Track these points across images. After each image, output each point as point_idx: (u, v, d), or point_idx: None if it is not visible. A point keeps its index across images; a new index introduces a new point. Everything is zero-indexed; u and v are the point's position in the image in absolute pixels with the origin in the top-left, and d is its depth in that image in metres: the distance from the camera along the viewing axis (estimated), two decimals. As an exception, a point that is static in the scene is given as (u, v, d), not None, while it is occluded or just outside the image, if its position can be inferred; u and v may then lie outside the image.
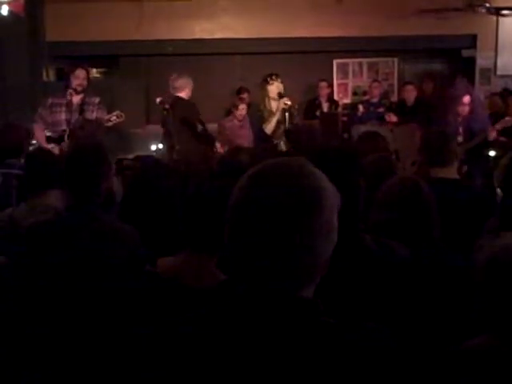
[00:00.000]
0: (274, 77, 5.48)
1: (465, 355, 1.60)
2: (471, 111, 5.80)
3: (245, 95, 7.96)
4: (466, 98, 5.74)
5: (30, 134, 4.38)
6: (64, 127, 5.31)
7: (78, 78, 5.44)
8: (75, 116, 5.34)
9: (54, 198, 2.92)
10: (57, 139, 5.25)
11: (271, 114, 5.41)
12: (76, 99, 5.43)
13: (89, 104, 5.40)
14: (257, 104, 7.80)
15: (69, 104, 5.40)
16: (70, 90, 5.32)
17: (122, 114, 5.41)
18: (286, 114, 5.36)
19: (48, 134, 5.28)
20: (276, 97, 5.38)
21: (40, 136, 5.24)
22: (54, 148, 5.05)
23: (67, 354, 2.06)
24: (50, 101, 5.42)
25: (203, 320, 1.14)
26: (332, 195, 1.15)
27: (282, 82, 5.51)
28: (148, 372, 1.13)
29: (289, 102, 5.34)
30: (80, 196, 2.44)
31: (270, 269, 1.09)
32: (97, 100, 5.48)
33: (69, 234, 2.33)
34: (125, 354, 1.24)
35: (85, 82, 5.47)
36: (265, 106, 5.48)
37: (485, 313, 1.66)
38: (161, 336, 1.16)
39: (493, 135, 5.91)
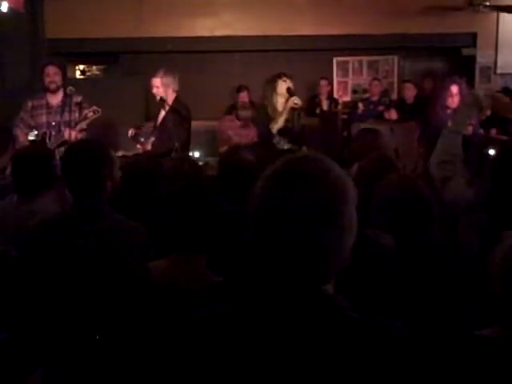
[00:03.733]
0: (285, 75, 5.26)
1: (476, 343, 1.61)
2: (460, 104, 5.64)
3: (244, 93, 7.95)
4: (454, 88, 5.56)
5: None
6: (45, 130, 5.15)
7: (48, 75, 5.22)
8: (57, 118, 5.16)
9: (50, 201, 2.89)
10: (39, 142, 5.05)
11: (276, 111, 5.20)
12: (55, 100, 5.26)
13: (69, 104, 5.15)
14: (259, 102, 7.81)
15: (49, 105, 5.23)
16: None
17: (99, 110, 5.13)
18: (295, 113, 5.14)
19: (31, 137, 5.08)
20: (284, 93, 5.14)
21: (24, 140, 5.08)
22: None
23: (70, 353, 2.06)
24: (29, 104, 5.23)
25: (226, 316, 1.15)
26: (353, 190, 1.16)
27: (292, 83, 5.28)
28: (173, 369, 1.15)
29: (299, 102, 5.12)
30: (83, 194, 2.41)
31: (298, 266, 1.11)
32: (78, 99, 5.21)
33: (74, 232, 2.31)
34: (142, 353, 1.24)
35: (57, 78, 5.23)
36: (270, 102, 5.19)
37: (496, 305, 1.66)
38: (183, 333, 1.16)
39: (469, 129, 5.64)
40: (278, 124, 5.08)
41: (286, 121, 5.10)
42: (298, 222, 1.09)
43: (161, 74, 5.45)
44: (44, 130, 5.15)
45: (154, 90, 5.49)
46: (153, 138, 5.38)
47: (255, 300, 1.14)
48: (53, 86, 5.22)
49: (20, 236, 2.50)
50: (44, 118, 5.21)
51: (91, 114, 5.10)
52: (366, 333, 1.12)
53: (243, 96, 7.91)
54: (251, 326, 1.12)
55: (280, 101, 5.15)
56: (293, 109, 5.09)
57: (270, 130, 5.07)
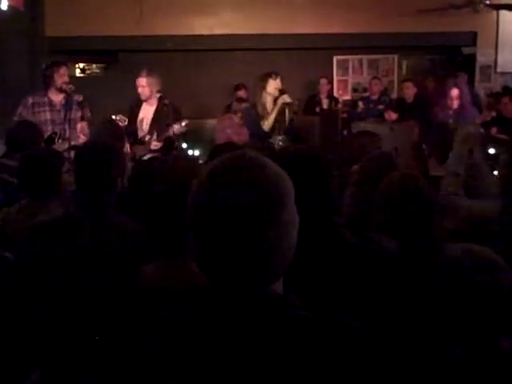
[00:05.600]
0: (275, 74, 5.36)
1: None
2: (460, 106, 5.69)
3: (242, 91, 7.97)
4: (454, 92, 5.62)
5: (40, 133, 4.27)
6: (49, 128, 5.14)
7: (63, 76, 5.25)
8: (61, 115, 5.17)
9: (57, 205, 2.87)
10: (45, 140, 4.97)
11: (264, 109, 5.28)
12: (59, 98, 5.27)
13: (77, 103, 5.20)
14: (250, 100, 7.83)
15: (52, 103, 5.25)
16: (70, 86, 5.20)
17: (126, 119, 5.26)
18: (286, 110, 5.24)
19: None
20: (273, 92, 5.25)
21: None
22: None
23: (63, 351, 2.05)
24: (30, 100, 5.22)
25: (175, 321, 1.13)
26: (289, 184, 1.14)
27: (281, 81, 5.38)
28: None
29: (289, 100, 5.23)
30: (92, 195, 2.40)
31: (243, 267, 1.08)
32: (80, 98, 5.25)
33: (79, 233, 2.30)
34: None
35: (68, 79, 5.30)
36: (260, 100, 5.31)
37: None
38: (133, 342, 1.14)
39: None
40: (269, 121, 5.17)
41: (277, 119, 5.19)
42: (236, 223, 1.05)
43: (145, 73, 5.59)
44: (49, 127, 5.14)
45: (140, 90, 5.59)
46: (148, 136, 5.46)
47: (203, 304, 1.12)
48: (65, 87, 5.24)
49: (23, 238, 2.49)
50: (48, 116, 5.21)
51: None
52: (318, 331, 1.09)
53: (241, 94, 7.94)
54: (200, 331, 1.09)
55: (269, 99, 5.26)
56: (283, 106, 5.17)
57: (261, 128, 5.15)
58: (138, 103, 5.67)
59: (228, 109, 7.72)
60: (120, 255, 2.18)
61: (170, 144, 5.39)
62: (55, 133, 5.09)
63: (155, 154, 5.29)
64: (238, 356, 1.06)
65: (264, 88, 5.26)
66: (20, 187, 2.96)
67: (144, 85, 5.57)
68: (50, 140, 5.04)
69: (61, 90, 5.23)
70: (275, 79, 5.25)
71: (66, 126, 5.11)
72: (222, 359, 1.06)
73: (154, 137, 5.45)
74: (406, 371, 1.58)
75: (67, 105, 5.16)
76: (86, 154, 2.51)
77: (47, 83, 5.31)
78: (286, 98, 5.20)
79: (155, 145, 5.45)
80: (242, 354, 1.06)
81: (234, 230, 1.06)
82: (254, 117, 5.24)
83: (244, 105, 6.58)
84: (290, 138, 5.18)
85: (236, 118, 6.76)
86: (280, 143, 5.15)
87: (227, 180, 1.08)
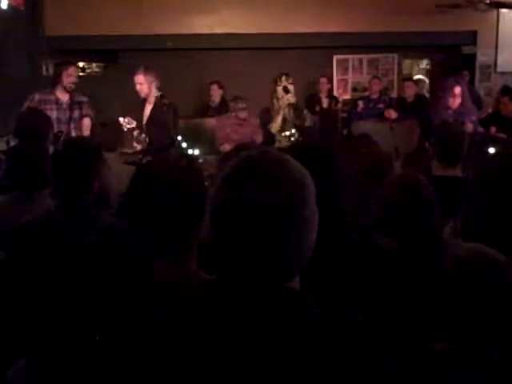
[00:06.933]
0: (284, 77, 5.35)
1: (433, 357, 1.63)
2: (461, 104, 5.66)
3: (215, 86, 8.00)
4: (457, 89, 5.59)
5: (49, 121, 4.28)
6: (55, 126, 5.08)
7: (72, 75, 5.31)
8: (66, 114, 5.23)
9: (47, 199, 2.86)
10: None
11: (275, 113, 5.31)
12: (65, 97, 5.33)
13: (77, 102, 5.28)
14: (244, 98, 7.86)
15: (58, 102, 5.28)
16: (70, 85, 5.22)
17: (134, 121, 5.33)
18: (291, 110, 5.25)
19: None
20: (281, 97, 5.25)
21: None
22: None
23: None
24: (37, 97, 5.25)
25: (191, 315, 1.13)
26: (311, 182, 1.15)
27: (291, 82, 5.34)
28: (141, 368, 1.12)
29: (293, 100, 5.23)
30: (69, 194, 2.37)
31: (261, 263, 1.08)
32: (85, 99, 5.36)
33: (59, 233, 2.28)
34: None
35: (76, 80, 5.37)
36: (274, 107, 5.34)
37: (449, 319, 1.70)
38: (150, 333, 1.14)
39: (470, 127, 5.63)
40: (277, 124, 5.17)
41: (284, 119, 5.18)
42: (256, 220, 1.06)
43: (142, 70, 5.58)
44: (55, 125, 5.17)
45: (138, 87, 5.60)
46: (143, 135, 5.46)
47: (219, 299, 1.12)
48: (73, 87, 5.31)
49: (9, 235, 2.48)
50: (54, 114, 5.23)
51: (126, 124, 5.24)
52: (331, 329, 1.10)
53: (214, 89, 7.98)
54: (215, 326, 1.09)
55: (276, 103, 5.26)
56: (289, 105, 5.18)
57: (268, 130, 5.16)
58: (141, 105, 5.66)
59: (205, 110, 7.80)
60: (105, 255, 2.17)
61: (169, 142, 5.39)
62: (61, 131, 5.11)
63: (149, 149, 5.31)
64: (254, 347, 1.06)
65: (275, 96, 5.29)
66: (11, 181, 2.96)
67: (142, 82, 5.58)
68: (56, 138, 5.05)
69: (66, 89, 5.28)
70: (280, 85, 5.28)
71: (72, 125, 5.17)
72: (238, 351, 1.07)
73: (143, 135, 5.44)
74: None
75: (72, 103, 5.22)
76: (62, 154, 2.49)
77: (55, 81, 5.35)
78: (290, 99, 5.20)
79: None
80: (257, 345, 1.06)
81: (253, 228, 1.07)
82: (266, 121, 5.30)
83: (241, 104, 6.58)
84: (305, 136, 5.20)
85: (236, 118, 6.76)
86: (292, 138, 5.14)
87: (248, 178, 1.09)
